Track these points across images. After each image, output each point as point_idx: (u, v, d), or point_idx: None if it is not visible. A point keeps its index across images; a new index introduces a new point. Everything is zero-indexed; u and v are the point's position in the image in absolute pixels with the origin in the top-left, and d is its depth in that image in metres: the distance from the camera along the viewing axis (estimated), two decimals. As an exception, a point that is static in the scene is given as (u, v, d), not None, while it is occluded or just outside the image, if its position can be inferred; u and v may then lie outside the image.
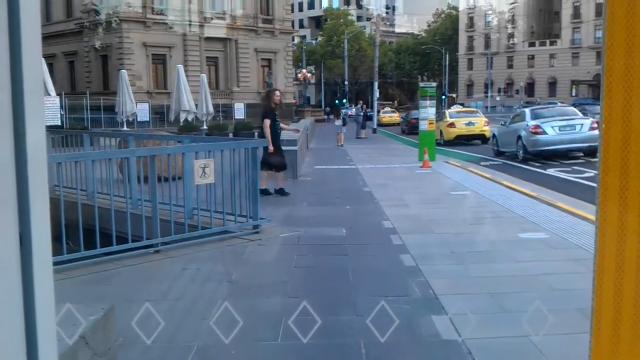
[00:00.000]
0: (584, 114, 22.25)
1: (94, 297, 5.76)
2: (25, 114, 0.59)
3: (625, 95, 1.38)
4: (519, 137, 19.76)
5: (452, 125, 28.07)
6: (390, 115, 59.02)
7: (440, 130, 26.37)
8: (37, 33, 0.63)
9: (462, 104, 68.12)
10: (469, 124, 28.45)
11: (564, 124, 19.34)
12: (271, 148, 11.69)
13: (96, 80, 54.33)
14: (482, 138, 27.49)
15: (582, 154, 19.38)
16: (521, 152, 19.72)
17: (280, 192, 12.14)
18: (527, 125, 19.59)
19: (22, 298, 0.60)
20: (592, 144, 17.34)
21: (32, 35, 0.61)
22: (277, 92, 12.65)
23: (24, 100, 0.59)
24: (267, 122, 11.88)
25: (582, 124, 19.35)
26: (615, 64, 1.37)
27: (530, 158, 19.00)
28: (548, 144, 18.88)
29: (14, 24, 0.57)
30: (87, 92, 44.92)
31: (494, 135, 23.62)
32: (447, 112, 31.96)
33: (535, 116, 20.47)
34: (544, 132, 18.98)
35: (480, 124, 28.33)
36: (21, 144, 0.59)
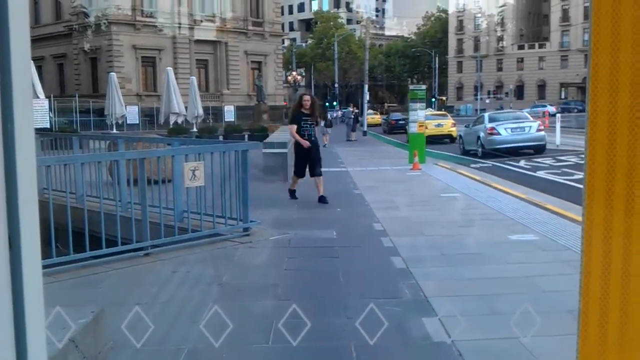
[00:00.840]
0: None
1: (84, 300, 5.74)
2: (14, 116, 0.58)
3: (611, 98, 1.40)
4: (479, 137, 22.94)
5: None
6: (372, 117, 61.24)
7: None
8: (26, 35, 0.62)
9: (433, 108, 68.84)
10: (438, 125, 31.51)
11: (515, 126, 22.55)
12: (305, 143, 11.51)
13: (85, 83, 54.13)
14: (450, 137, 30.79)
15: (532, 152, 21.87)
16: (480, 150, 22.57)
17: (321, 199, 11.71)
18: (485, 127, 22.65)
19: (11, 301, 0.61)
20: (539, 143, 21.89)
21: (21, 36, 0.61)
22: (307, 97, 12.10)
23: (13, 103, 0.58)
24: (292, 127, 11.83)
25: (530, 126, 22.55)
26: (601, 66, 1.38)
27: (487, 155, 21.41)
28: (501, 143, 21.91)
29: (2, 26, 0.57)
30: (77, 95, 44.71)
31: (460, 136, 26.63)
32: None
33: (491, 120, 23.66)
34: (498, 133, 22.20)
35: (448, 125, 31.98)
36: (10, 146, 0.59)
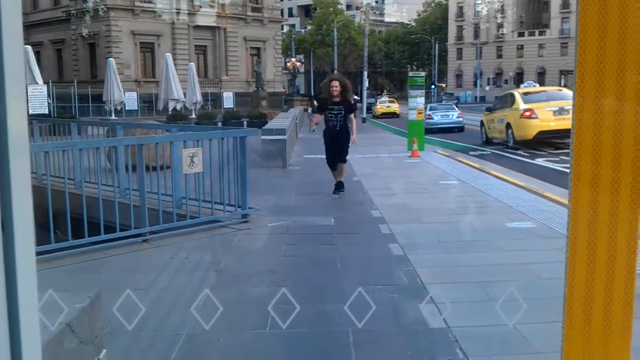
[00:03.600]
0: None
1: (82, 286, 5.76)
2: (5, 100, 0.59)
3: (597, 85, 1.40)
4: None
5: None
6: (387, 106, 54.51)
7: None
8: (17, 16, 0.62)
9: (433, 95, 68.53)
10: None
11: (444, 114, 32.43)
12: (312, 125, 12.49)
13: (84, 69, 53.99)
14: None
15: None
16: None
17: (337, 187, 11.14)
18: (426, 114, 26.62)
19: (4, 285, 0.60)
20: (458, 125, 31.35)
21: (12, 18, 0.60)
22: (335, 83, 10.96)
23: (5, 87, 0.59)
24: (315, 116, 12.03)
25: (453, 114, 32.52)
26: (588, 54, 1.39)
27: (428, 132, 23.67)
28: (434, 125, 29.69)
29: None
30: (75, 81, 44.63)
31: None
32: None
33: (431, 109, 32.15)
34: (432, 118, 30.62)
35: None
36: (2, 131, 0.58)
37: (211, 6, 56.59)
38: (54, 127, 14.38)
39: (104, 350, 2.80)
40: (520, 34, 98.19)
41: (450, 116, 32.13)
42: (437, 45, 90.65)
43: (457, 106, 38.89)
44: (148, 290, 5.62)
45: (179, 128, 12.30)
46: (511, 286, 5.18)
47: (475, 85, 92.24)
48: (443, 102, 55.68)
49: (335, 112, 10.82)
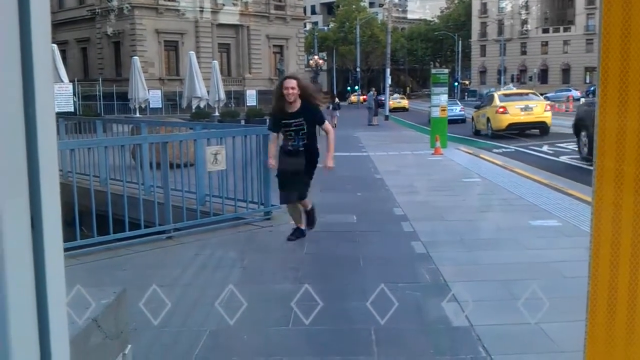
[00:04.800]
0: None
1: (107, 282, 5.83)
2: (35, 99, 0.60)
3: (621, 82, 1.39)
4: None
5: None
6: (398, 102, 61.79)
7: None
8: (46, 17, 0.64)
9: (456, 93, 68.45)
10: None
11: (448, 108, 27.83)
12: (270, 162, 7.88)
13: (109, 67, 54.48)
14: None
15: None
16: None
17: (295, 233, 7.78)
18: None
19: (34, 280, 0.61)
20: (460, 118, 33.89)
21: (41, 19, 0.61)
22: (289, 82, 7.34)
23: (34, 85, 0.60)
24: (271, 147, 7.97)
25: (456, 108, 35.16)
26: (611, 51, 1.38)
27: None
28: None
29: (24, 9, 0.59)
30: (100, 79, 45.05)
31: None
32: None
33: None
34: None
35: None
36: (32, 129, 0.60)
37: (234, 4, 56.78)
38: (80, 124, 14.55)
39: (129, 346, 2.84)
40: (545, 31, 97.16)
41: (454, 110, 33.42)
42: (460, 42, 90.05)
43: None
44: (172, 287, 5.67)
45: (203, 126, 12.37)
46: (534, 284, 5.15)
47: (499, 82, 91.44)
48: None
49: (294, 127, 7.32)
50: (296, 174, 7.42)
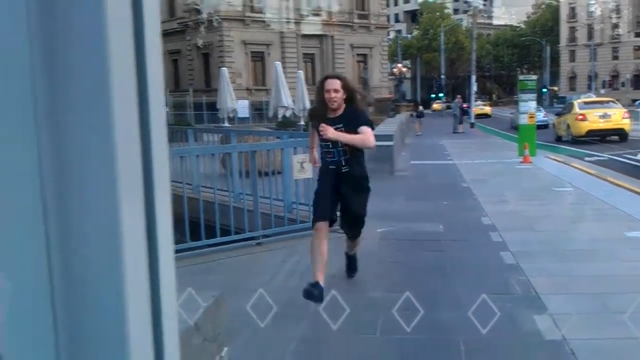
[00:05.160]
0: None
1: (201, 286, 6.00)
2: (149, 109, 0.64)
3: None
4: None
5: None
6: (481, 108, 60.90)
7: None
8: (158, 30, 0.67)
9: (545, 100, 66.64)
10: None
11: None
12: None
13: (198, 78, 55.98)
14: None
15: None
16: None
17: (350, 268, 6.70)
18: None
19: (149, 283, 0.65)
20: (543, 123, 31.16)
21: (154, 31, 0.66)
22: (331, 82, 5.77)
23: (148, 95, 0.64)
24: (312, 153, 6.56)
25: (540, 114, 29.77)
26: None
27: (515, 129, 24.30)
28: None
29: (138, 23, 0.63)
30: (190, 90, 46.37)
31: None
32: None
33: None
34: None
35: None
36: (146, 138, 0.63)
37: (318, 15, 57.31)
38: (172, 134, 15.04)
39: (226, 349, 2.93)
40: (637, 35, 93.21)
41: (537, 116, 32.80)
42: (548, 47, 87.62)
43: None
44: (262, 292, 5.79)
45: (289, 135, 12.56)
46: (631, 298, 4.98)
47: (589, 88, 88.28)
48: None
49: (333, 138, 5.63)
50: (346, 194, 5.92)
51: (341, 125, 5.61)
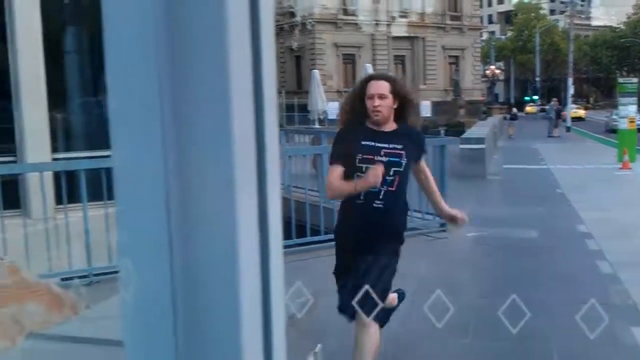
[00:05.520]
0: None
1: (292, 283, 6.11)
2: (264, 111, 0.66)
3: None
4: None
5: None
6: (575, 111, 58.77)
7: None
8: (272, 30, 0.68)
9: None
10: None
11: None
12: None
13: (290, 80, 56.74)
14: None
15: None
16: None
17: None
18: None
19: (260, 280, 0.68)
20: None
21: (269, 34, 0.67)
22: (376, 86, 3.84)
23: (263, 96, 0.66)
24: (332, 172, 3.86)
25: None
26: None
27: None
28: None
29: (255, 23, 0.64)
30: (283, 91, 47.06)
31: None
32: None
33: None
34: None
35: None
36: (260, 139, 0.66)
37: (410, 16, 56.98)
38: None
39: (319, 345, 2.99)
40: None
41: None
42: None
43: None
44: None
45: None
46: None
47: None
48: None
49: (384, 158, 3.78)
50: (371, 254, 3.86)
51: (400, 146, 3.80)
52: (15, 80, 7.79)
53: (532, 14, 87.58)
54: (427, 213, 8.78)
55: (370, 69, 29.65)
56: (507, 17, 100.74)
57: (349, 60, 55.07)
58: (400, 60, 57.74)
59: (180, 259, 0.65)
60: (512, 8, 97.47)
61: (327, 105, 32.77)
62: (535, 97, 73.55)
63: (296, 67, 56.48)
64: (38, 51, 7.69)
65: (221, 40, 0.62)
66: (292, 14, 54.05)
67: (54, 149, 7.99)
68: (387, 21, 55.75)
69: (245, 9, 0.64)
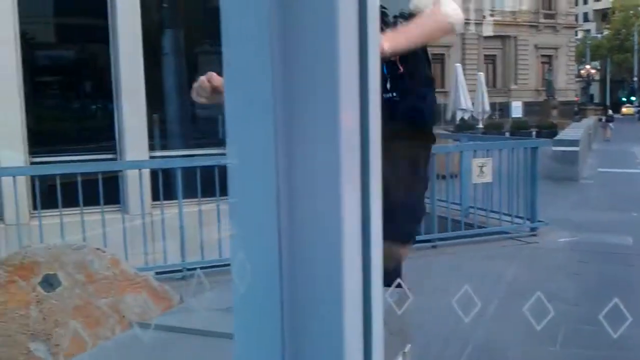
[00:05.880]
0: None
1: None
2: (369, 114, 0.68)
3: None
4: None
5: None
6: None
7: None
8: (378, 34, 0.69)
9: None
10: None
11: None
12: None
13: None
14: None
15: None
16: None
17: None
18: None
19: (362, 281, 0.69)
20: None
21: (374, 36, 0.68)
22: None
23: (369, 99, 0.68)
24: None
25: None
26: None
27: None
28: None
29: (362, 25, 0.66)
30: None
31: None
32: None
33: None
34: None
35: None
36: (365, 133, 0.68)
37: (502, 15, 55.79)
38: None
39: (409, 345, 3.02)
40: None
41: None
42: None
43: None
44: (436, 295, 5.80)
45: (469, 138, 12.40)
46: None
47: None
48: None
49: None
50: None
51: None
52: (116, 81, 8.16)
53: (631, 12, 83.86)
54: (517, 216, 8.62)
55: (460, 69, 29.23)
56: (604, 15, 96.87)
57: (438, 60, 54.45)
58: (491, 59, 56.66)
59: (287, 254, 0.68)
60: (609, 5, 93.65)
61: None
62: (633, 98, 70.46)
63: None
64: (138, 53, 8.02)
65: (331, 41, 0.64)
66: (384, 14, 53.84)
67: (151, 148, 8.33)
68: (478, 20, 54.78)
69: (354, 12, 0.66)
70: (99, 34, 8.40)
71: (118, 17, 8.07)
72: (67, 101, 9.47)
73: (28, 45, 8.16)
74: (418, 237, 7.79)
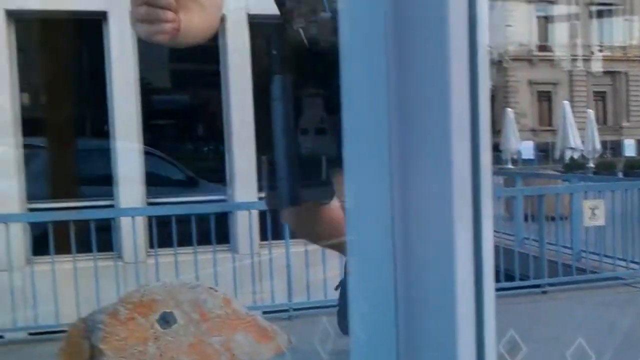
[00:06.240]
0: None
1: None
2: (479, 132, 0.69)
3: None
4: None
5: None
6: None
7: None
8: (486, 32, 0.69)
9: None
10: None
11: None
12: None
13: (481, 118, 55.78)
14: None
15: None
16: None
17: None
18: None
19: (475, 322, 0.68)
20: None
21: (484, 59, 0.70)
22: None
23: (479, 118, 0.69)
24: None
25: None
26: None
27: None
28: None
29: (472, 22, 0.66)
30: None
31: None
32: None
33: None
34: None
35: None
36: (476, 163, 0.67)
37: (611, 50, 53.89)
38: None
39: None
40: None
41: None
42: None
43: None
44: (550, 345, 5.62)
45: (579, 178, 12.00)
46: None
47: None
48: None
49: None
50: None
51: None
52: (228, 125, 8.50)
53: None
54: (632, 262, 8.23)
55: (568, 107, 28.40)
56: None
57: (545, 98, 53.12)
58: (600, 96, 54.69)
59: (401, 265, 0.67)
60: None
61: (520, 144, 31.80)
62: None
63: (490, 106, 55.50)
64: (248, 98, 8.34)
65: (442, 38, 0.64)
66: (489, 52, 53.32)
67: (260, 189, 8.58)
68: (586, 56, 53.17)
69: (464, 32, 0.66)
70: (210, 80, 8.80)
71: (229, 64, 8.44)
72: (181, 143, 9.95)
73: (146, 89, 8.65)
74: (526, 283, 7.61)
